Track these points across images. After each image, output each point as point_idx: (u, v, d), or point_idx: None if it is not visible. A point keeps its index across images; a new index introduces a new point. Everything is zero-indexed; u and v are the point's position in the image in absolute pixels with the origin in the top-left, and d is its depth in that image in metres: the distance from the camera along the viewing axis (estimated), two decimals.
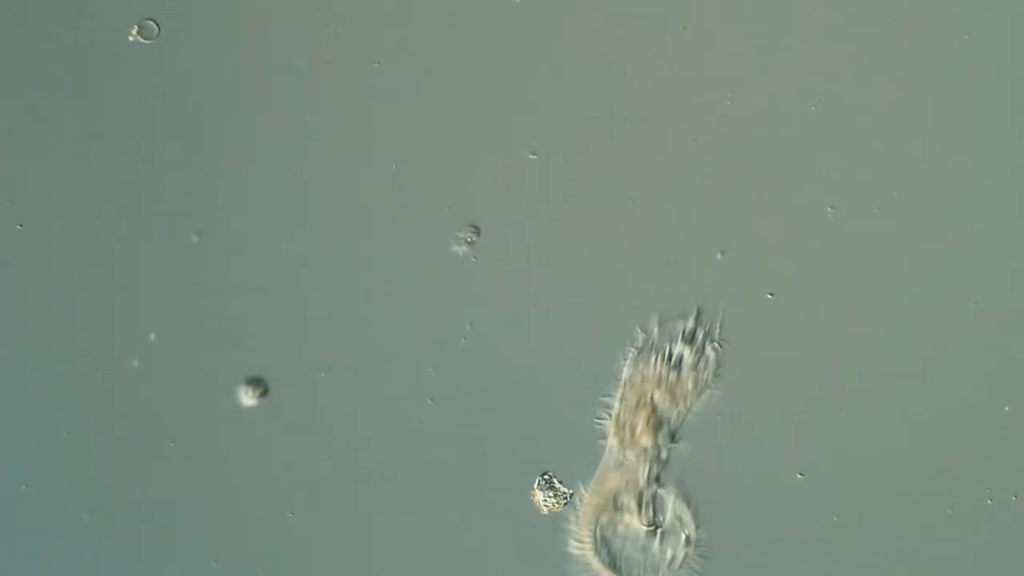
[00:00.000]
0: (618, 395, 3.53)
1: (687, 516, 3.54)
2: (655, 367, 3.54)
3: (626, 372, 3.53)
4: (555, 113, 3.56)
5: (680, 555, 3.54)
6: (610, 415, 3.53)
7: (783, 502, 3.54)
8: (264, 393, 3.51)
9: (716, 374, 3.55)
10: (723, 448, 3.54)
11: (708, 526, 3.54)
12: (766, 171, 3.57)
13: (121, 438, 3.49)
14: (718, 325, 3.54)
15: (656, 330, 3.54)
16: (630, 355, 3.53)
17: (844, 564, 3.52)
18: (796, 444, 3.54)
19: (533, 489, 3.53)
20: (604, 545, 3.54)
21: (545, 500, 3.53)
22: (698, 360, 3.55)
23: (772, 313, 3.55)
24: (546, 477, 3.53)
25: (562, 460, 3.53)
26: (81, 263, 3.51)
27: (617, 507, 3.54)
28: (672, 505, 3.54)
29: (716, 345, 3.55)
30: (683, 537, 3.54)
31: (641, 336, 3.54)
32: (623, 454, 3.54)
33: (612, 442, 3.53)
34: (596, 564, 3.53)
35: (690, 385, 3.55)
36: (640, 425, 3.54)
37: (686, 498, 3.54)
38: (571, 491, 3.51)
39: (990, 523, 3.53)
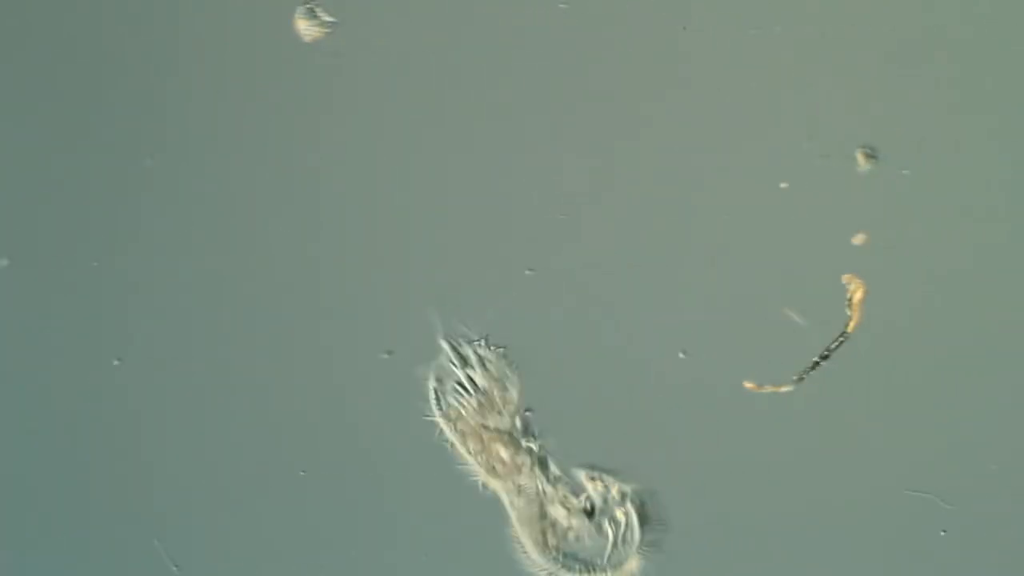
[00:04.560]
0: (460, 451, 3.43)
1: (604, 481, 3.41)
2: (460, 406, 3.43)
3: (446, 430, 3.43)
4: None
5: (632, 511, 3.40)
6: (470, 467, 3.44)
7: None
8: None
9: (508, 364, 3.43)
10: (574, 410, 3.41)
11: (630, 478, 3.42)
12: None
13: None
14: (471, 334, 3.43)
15: (434, 377, 3.45)
16: (434, 413, 3.44)
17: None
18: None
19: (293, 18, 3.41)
20: (569, 559, 3.44)
21: (307, 29, 3.39)
22: (483, 366, 3.43)
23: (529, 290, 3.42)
24: (308, 7, 3.38)
25: None
26: None
27: (552, 523, 3.44)
28: (587, 483, 3.42)
29: (481, 343, 3.43)
30: (618, 498, 3.41)
31: (431, 387, 3.44)
32: (512, 483, 3.44)
33: (494, 484, 3.43)
34: None
35: (496, 391, 3.43)
36: (498, 452, 3.43)
37: (589, 468, 3.42)
38: (335, 19, 3.34)
39: None
